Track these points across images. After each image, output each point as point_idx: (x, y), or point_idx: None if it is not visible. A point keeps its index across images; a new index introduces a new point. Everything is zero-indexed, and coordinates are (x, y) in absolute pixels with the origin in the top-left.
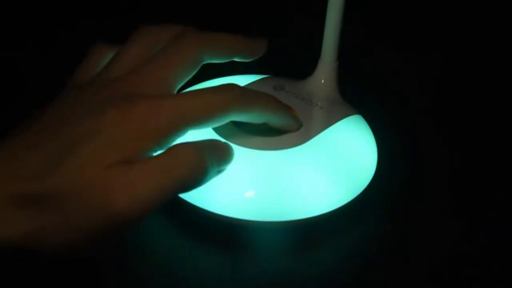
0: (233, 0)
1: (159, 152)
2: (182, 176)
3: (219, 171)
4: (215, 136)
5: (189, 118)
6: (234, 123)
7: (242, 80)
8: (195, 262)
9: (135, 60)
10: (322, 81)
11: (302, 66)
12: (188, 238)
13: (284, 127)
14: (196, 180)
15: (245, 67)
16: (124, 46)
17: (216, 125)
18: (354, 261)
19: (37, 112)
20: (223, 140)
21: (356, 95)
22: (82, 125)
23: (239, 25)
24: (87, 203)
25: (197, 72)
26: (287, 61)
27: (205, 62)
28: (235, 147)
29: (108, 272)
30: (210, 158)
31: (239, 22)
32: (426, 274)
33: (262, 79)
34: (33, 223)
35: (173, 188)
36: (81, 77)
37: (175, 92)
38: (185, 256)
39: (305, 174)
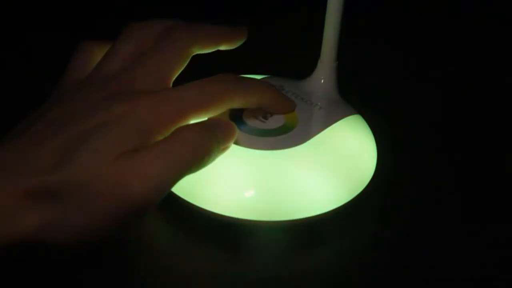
0: (232, 0)
1: None
2: (190, 157)
3: (224, 149)
4: None
5: (190, 109)
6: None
7: None
8: (194, 262)
9: (128, 57)
10: (322, 81)
11: (302, 66)
12: (187, 238)
13: (278, 111)
14: (202, 159)
15: (245, 67)
16: (116, 43)
17: (216, 113)
18: (354, 261)
19: (36, 111)
20: None
21: (356, 95)
22: (89, 120)
23: (239, 25)
24: (101, 192)
25: (197, 73)
26: (287, 61)
27: (194, 53)
28: (235, 147)
29: (108, 272)
30: (214, 137)
31: (238, 22)
32: (426, 274)
33: (261, 79)
34: (47, 216)
35: (182, 169)
36: (75, 76)
37: (170, 85)
38: (184, 255)
39: (305, 174)
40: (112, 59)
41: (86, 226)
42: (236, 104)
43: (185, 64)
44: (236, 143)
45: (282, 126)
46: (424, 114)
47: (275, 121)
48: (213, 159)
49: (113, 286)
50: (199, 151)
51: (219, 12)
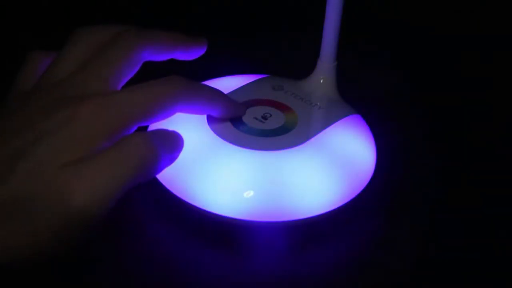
0: (233, 1)
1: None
2: (136, 165)
3: (172, 159)
4: (213, 135)
5: (135, 112)
6: (234, 124)
7: (241, 80)
8: (194, 262)
9: (75, 62)
10: (321, 81)
11: (302, 66)
12: (187, 238)
13: (226, 117)
14: (149, 168)
15: (245, 67)
16: (63, 49)
17: (163, 118)
18: (353, 261)
19: None
20: (223, 141)
21: (356, 95)
22: (31, 130)
23: (238, 26)
24: (44, 206)
25: (196, 73)
26: (287, 61)
27: (146, 60)
28: (235, 148)
29: (107, 273)
30: (161, 146)
31: (238, 23)
32: (425, 275)
33: (261, 79)
34: None
35: (128, 181)
36: (22, 85)
37: (118, 89)
38: (184, 256)
39: (305, 174)
40: (59, 65)
41: (30, 243)
42: (182, 108)
43: (135, 69)
44: (236, 143)
45: (282, 126)
46: (423, 114)
47: (275, 122)
48: (162, 169)
49: (112, 286)
50: (145, 160)
51: (220, 13)
